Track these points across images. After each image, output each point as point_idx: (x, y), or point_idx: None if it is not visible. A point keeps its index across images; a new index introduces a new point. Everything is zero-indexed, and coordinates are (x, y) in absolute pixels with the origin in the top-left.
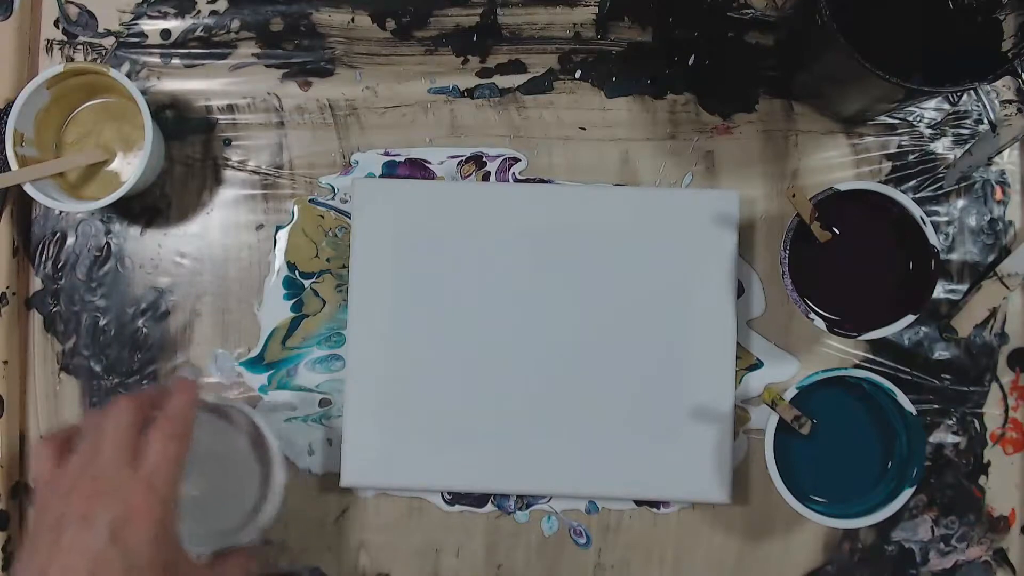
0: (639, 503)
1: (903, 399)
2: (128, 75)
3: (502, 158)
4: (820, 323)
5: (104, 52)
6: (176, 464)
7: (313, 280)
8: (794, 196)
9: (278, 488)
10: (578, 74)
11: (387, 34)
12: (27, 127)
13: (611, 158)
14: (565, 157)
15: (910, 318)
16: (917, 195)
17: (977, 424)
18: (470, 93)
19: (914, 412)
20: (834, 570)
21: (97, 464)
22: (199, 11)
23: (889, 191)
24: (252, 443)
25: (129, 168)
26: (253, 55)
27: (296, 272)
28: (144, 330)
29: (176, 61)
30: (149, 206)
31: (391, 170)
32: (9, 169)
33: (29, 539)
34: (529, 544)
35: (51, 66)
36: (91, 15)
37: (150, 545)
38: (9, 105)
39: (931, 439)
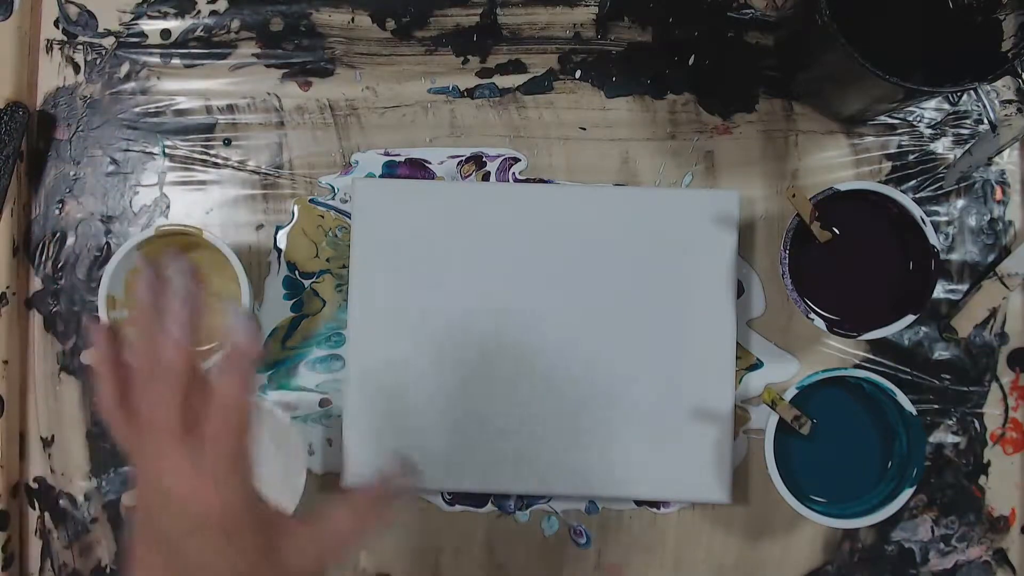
0: (639, 503)
1: (903, 399)
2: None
3: (502, 158)
4: (820, 323)
5: (104, 52)
6: (238, 434)
7: (313, 280)
8: (794, 196)
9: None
10: (578, 74)
11: (387, 34)
12: (118, 289)
13: (611, 158)
14: (565, 157)
15: (910, 318)
16: (917, 195)
17: (977, 424)
18: (470, 93)
19: (914, 412)
20: (834, 570)
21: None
22: (199, 11)
23: (889, 191)
24: (277, 443)
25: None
26: (253, 55)
27: (296, 272)
28: None
29: (176, 61)
30: (148, 206)
31: (391, 170)
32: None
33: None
34: (529, 544)
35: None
36: (91, 15)
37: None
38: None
39: (931, 439)
